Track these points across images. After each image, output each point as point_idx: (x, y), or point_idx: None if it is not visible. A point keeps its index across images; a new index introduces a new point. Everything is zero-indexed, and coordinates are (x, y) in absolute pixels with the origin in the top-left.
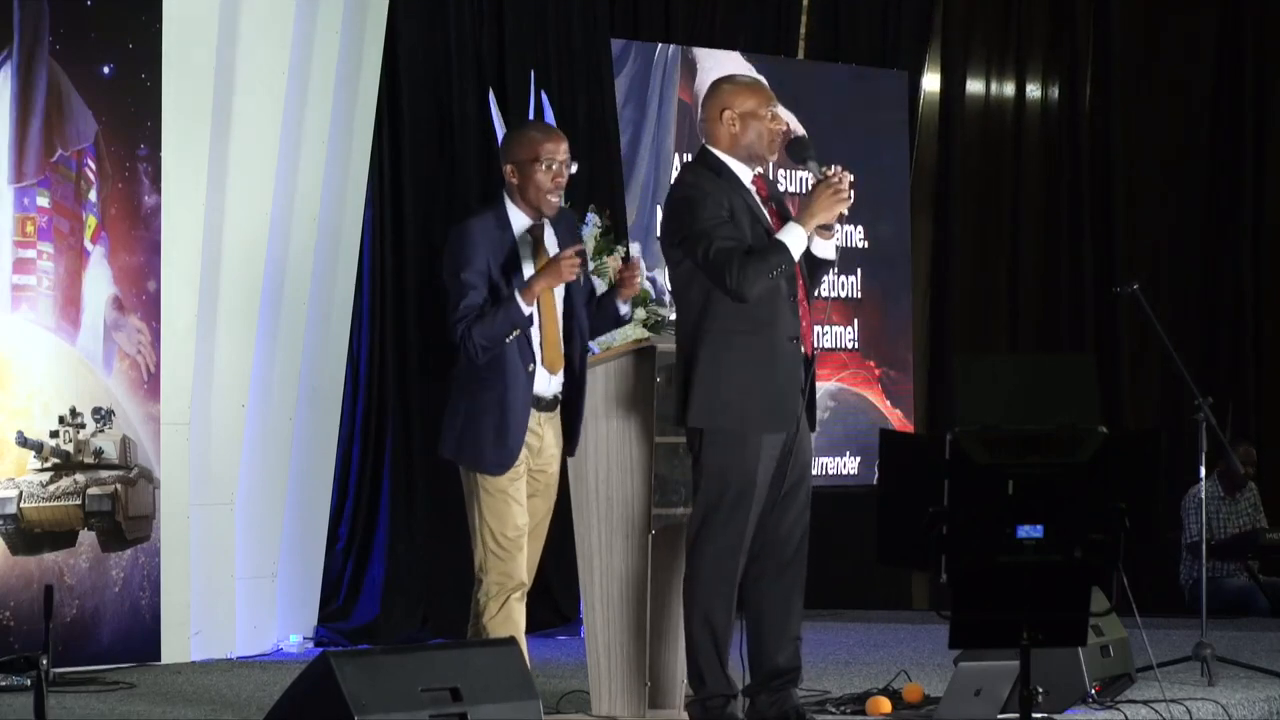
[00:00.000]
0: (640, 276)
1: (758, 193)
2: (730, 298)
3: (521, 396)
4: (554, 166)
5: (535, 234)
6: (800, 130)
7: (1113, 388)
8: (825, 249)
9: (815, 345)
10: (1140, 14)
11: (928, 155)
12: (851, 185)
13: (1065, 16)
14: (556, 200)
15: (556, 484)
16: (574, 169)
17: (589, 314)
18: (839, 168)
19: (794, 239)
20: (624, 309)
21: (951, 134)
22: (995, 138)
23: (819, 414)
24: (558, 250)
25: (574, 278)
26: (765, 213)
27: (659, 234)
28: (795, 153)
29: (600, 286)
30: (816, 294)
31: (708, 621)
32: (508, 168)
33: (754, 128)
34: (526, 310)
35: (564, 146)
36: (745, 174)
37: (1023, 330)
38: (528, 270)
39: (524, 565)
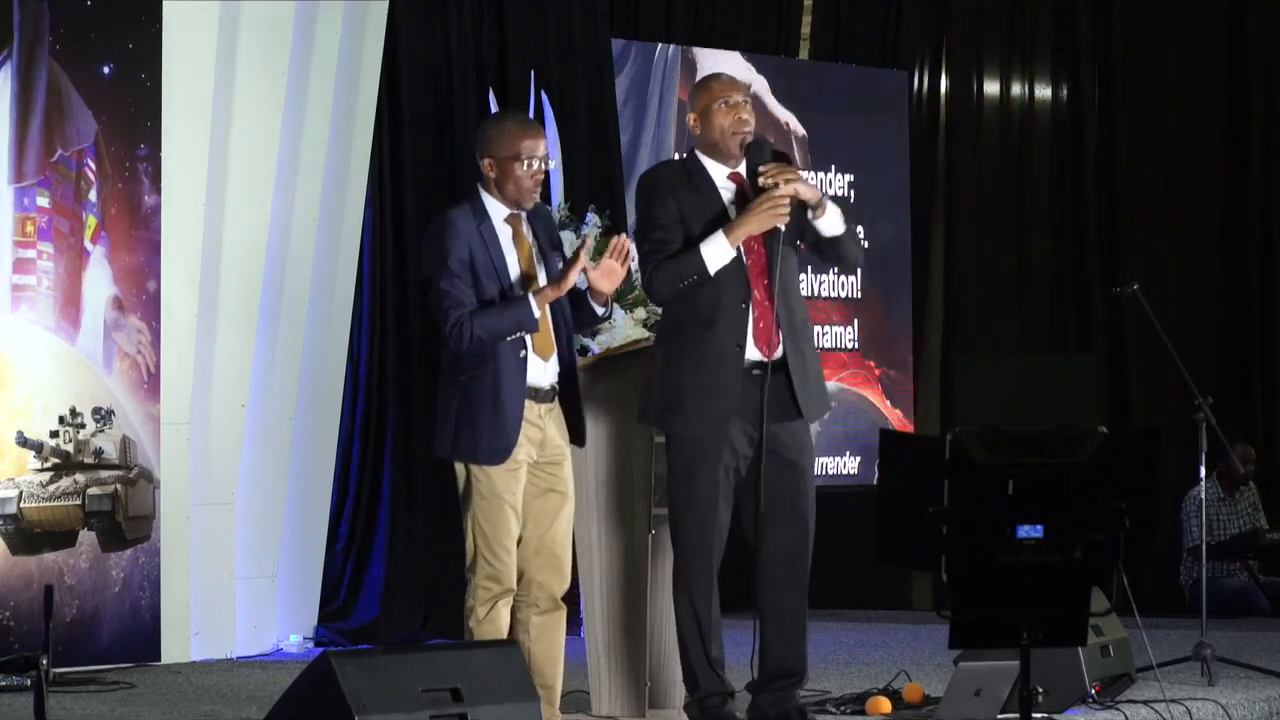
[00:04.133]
0: (612, 278)
1: (736, 190)
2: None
3: (515, 383)
4: (533, 164)
5: (514, 224)
6: (801, 131)
7: (1122, 388)
8: (830, 225)
9: (777, 345)
10: (1145, 12)
11: (938, 156)
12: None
13: (1069, 15)
14: (536, 194)
15: (572, 481)
16: (552, 164)
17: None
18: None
19: (713, 250)
20: (599, 309)
21: (960, 134)
22: (1003, 138)
23: None
24: (535, 241)
25: (576, 279)
26: (734, 212)
27: None
28: (751, 156)
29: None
30: (815, 294)
31: (694, 620)
32: (485, 161)
33: (713, 122)
34: (537, 314)
35: (543, 143)
36: (720, 172)
37: (1031, 330)
38: (510, 260)
39: (513, 570)
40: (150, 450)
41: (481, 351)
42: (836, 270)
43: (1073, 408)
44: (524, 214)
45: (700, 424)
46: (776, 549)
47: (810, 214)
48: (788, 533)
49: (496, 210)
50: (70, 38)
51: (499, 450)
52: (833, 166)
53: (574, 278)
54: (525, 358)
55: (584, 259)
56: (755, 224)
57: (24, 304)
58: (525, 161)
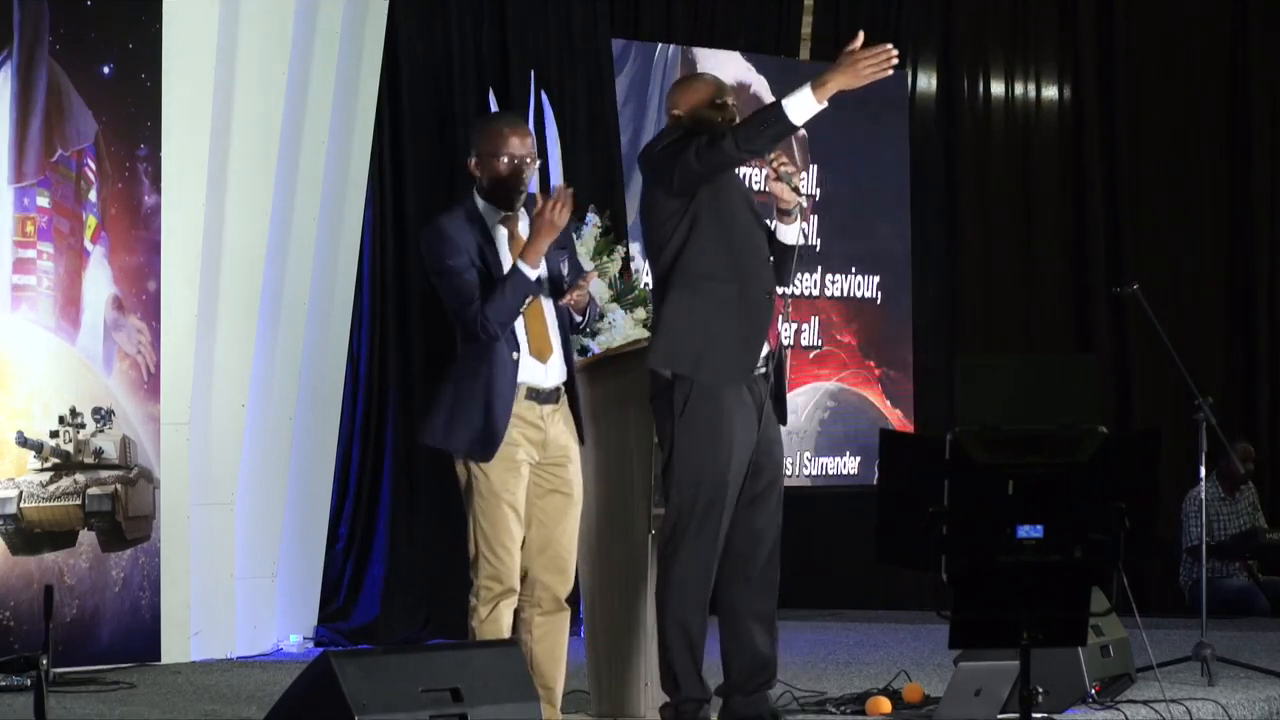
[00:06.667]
0: (584, 292)
1: None
2: (707, 159)
3: (507, 383)
4: (514, 163)
5: (509, 225)
6: (801, 131)
7: (1124, 388)
8: (792, 234)
9: (784, 341)
10: (1148, 10)
11: (938, 156)
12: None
13: (1070, 14)
14: (522, 193)
15: (580, 483)
16: (537, 164)
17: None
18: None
19: (797, 102)
20: (577, 317)
21: (960, 134)
22: (1003, 138)
23: (820, 414)
24: None
25: (566, 220)
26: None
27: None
28: None
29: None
30: (785, 292)
31: (684, 627)
32: (471, 160)
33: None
34: (533, 274)
35: (529, 142)
36: None
37: (1033, 330)
38: (505, 262)
39: (515, 570)
40: (150, 450)
41: (477, 350)
42: (800, 260)
43: (1073, 408)
44: (521, 214)
45: (727, 372)
46: (754, 549)
47: (781, 215)
48: (765, 533)
49: (489, 211)
50: (70, 38)
51: (486, 448)
52: (833, 166)
53: (560, 218)
54: (518, 360)
55: (557, 200)
56: (843, 77)
57: (24, 304)
58: (505, 159)
